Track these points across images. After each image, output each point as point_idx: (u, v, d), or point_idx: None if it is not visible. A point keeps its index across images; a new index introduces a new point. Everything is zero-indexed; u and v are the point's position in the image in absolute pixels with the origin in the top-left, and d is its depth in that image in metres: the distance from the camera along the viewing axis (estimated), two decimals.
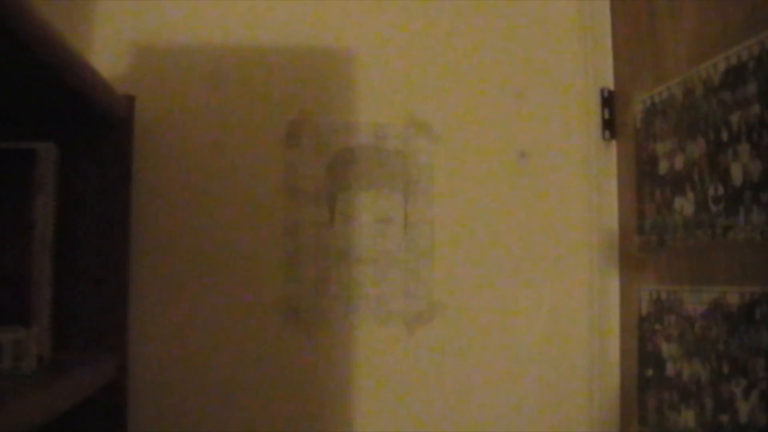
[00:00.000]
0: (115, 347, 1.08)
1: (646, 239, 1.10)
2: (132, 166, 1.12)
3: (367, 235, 1.19)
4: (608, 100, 1.22)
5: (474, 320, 1.22)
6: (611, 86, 1.22)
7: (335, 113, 1.20)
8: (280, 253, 1.18)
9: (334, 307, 1.19)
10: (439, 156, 1.22)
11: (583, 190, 1.24)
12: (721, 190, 0.89)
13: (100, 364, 0.99)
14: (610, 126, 1.22)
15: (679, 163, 1.00)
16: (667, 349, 1.01)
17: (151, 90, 1.16)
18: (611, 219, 1.20)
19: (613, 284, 1.19)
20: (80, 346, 1.07)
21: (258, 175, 1.19)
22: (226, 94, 1.19)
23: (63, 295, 1.03)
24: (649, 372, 1.07)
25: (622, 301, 1.18)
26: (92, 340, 1.07)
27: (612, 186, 1.21)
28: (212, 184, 1.18)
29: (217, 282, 1.17)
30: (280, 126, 1.19)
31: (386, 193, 1.19)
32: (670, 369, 1.00)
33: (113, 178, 1.09)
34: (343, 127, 1.21)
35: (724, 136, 0.89)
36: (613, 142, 1.22)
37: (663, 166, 1.05)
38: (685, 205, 0.98)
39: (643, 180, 1.10)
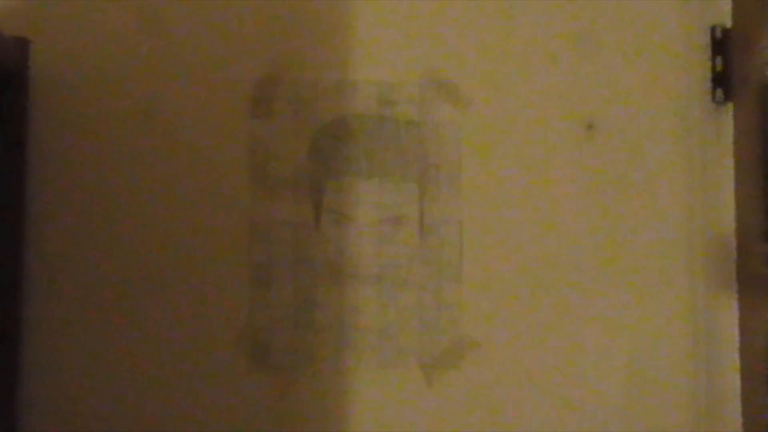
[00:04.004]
0: None
1: None
2: (27, 135, 0.97)
3: (367, 241, 1.02)
4: (722, 45, 1.05)
5: (519, 364, 1.03)
6: (727, 23, 1.05)
7: (321, 68, 1.03)
8: (243, 267, 1.00)
9: (319, 343, 1.01)
10: (469, 129, 1.05)
11: (682, 176, 1.07)
12: None
13: None
14: (723, 82, 1.05)
15: None
16: None
17: (55, 33, 1.00)
18: (724, 219, 1.06)
19: (728, 311, 1.04)
20: None
21: (211, 155, 1.01)
22: (164, 39, 1.01)
23: None
24: None
25: (741, 334, 1.03)
26: None
27: (726, 171, 1.05)
28: (146, 167, 1.00)
29: (153, 307, 0.98)
30: (242, 86, 1.01)
31: (394, 182, 1.02)
32: None
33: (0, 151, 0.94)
34: (333, 87, 1.03)
35: None
36: (729, 107, 1.06)
37: None
38: None
39: None
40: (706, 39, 1.06)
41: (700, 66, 1.06)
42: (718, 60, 1.05)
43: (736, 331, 1.03)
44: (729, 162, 1.05)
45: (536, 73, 1.06)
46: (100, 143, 1.00)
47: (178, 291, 0.99)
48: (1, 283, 0.93)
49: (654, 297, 1.05)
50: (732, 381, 1.02)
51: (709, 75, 1.06)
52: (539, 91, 1.06)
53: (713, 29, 1.05)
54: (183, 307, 0.99)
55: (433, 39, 1.05)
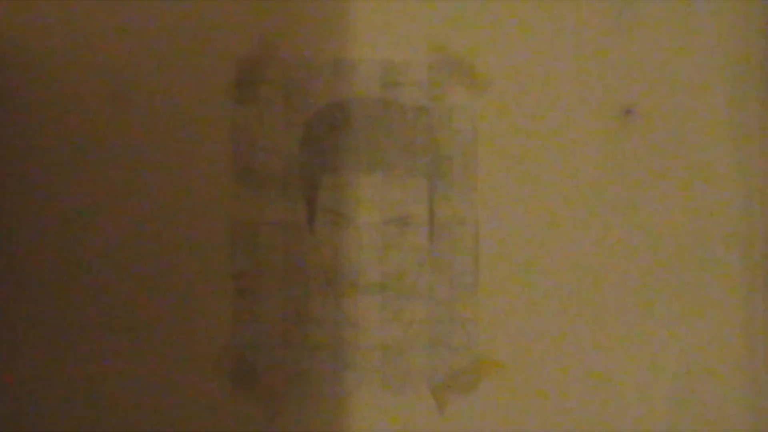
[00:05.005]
0: None
1: None
2: None
3: (368, 245, 0.92)
4: None
5: (546, 387, 0.93)
6: None
7: (315, 45, 0.93)
8: (225, 275, 0.90)
9: (313, 363, 0.91)
10: (487, 115, 0.94)
11: (737, 170, 0.96)
12: None
13: None
14: None
15: None
16: None
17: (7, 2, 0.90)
18: None
19: None
20: None
21: (187, 146, 0.91)
22: (133, 10, 0.91)
23: None
24: None
25: None
26: None
27: None
28: (110, 160, 0.90)
29: (119, 321, 0.89)
30: (224, 66, 0.91)
31: (400, 177, 0.93)
32: None
33: None
34: (330, 67, 0.93)
35: None
36: None
37: None
38: None
39: None
40: (766, 9, 0.96)
41: (758, 41, 0.96)
42: None
43: None
44: None
45: (565, 49, 0.96)
46: (64, 134, 0.90)
47: (149, 303, 0.89)
48: None
49: (704, 310, 0.94)
50: None
51: None
52: (568, 70, 0.96)
53: None
54: (154, 321, 0.89)
55: (445, 11, 0.95)
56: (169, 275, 0.89)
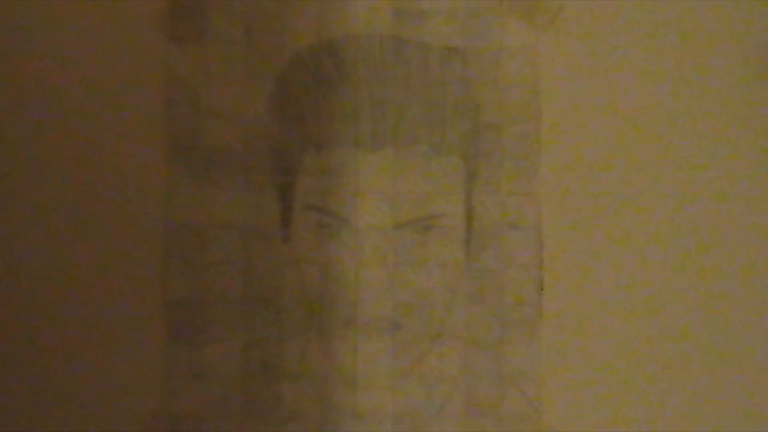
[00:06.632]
0: None
1: None
2: None
3: (373, 260, 0.71)
4: None
5: None
6: None
7: None
8: (155, 304, 0.68)
9: None
10: (554, 63, 0.70)
11: None
12: None
13: None
14: None
15: None
16: None
17: None
18: None
19: None
20: None
21: (100, 108, 0.68)
22: None
23: None
24: None
25: None
26: None
27: None
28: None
29: (9, 373, 0.65)
30: None
31: (422, 157, 0.71)
32: None
33: None
34: None
35: None
36: None
37: None
38: None
39: None
40: None
41: None
42: None
43: None
44: None
45: None
46: None
47: (44, 345, 0.65)
48: None
49: None
50: None
51: None
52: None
53: None
54: (52, 374, 0.64)
55: None
56: (73, 304, 0.66)
